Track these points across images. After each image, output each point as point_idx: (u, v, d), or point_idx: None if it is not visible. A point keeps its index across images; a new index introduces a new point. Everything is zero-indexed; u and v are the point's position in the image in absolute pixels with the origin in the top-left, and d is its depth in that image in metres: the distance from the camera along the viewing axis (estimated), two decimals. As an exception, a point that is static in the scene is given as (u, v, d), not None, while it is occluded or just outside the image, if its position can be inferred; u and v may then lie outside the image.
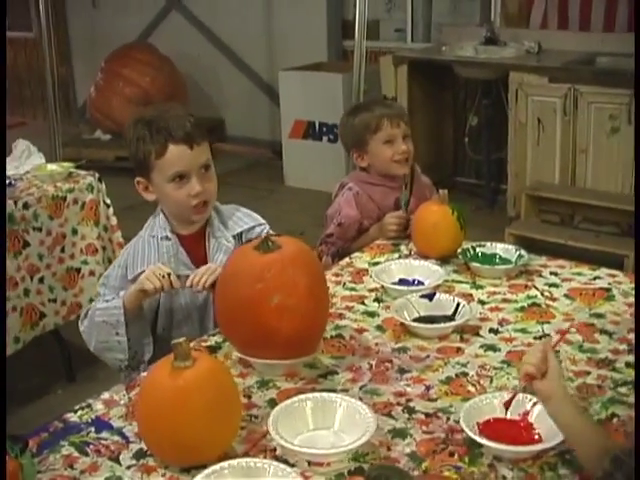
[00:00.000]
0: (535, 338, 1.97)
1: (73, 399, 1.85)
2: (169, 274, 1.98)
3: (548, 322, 2.05)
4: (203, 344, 2.00)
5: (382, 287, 2.22)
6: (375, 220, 2.72)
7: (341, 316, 2.12)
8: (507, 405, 1.61)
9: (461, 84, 5.64)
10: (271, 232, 2.24)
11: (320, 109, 5.68)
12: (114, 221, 3.61)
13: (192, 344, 1.99)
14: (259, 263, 1.76)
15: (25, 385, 3.56)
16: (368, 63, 5.85)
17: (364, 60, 3.84)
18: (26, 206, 3.28)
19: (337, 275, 2.38)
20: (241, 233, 2.24)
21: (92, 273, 3.55)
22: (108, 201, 3.60)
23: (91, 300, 3.53)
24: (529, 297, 2.19)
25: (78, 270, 3.52)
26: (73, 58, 7.89)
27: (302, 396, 1.67)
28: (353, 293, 2.26)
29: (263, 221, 2.29)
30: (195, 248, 2.18)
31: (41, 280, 3.38)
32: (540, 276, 2.32)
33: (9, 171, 3.60)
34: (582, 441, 1.44)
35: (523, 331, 2.01)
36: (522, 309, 2.13)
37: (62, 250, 3.45)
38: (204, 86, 7.08)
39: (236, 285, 1.78)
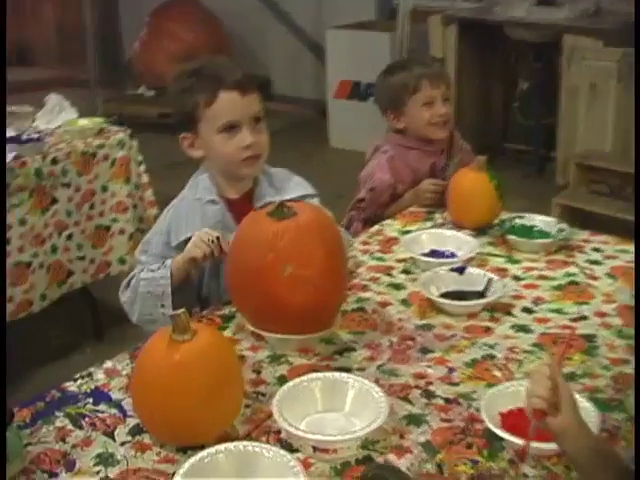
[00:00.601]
0: (572, 320, 1.82)
1: (102, 358, 1.75)
2: (218, 238, 1.84)
3: (587, 303, 1.90)
4: (217, 312, 1.88)
5: (411, 258, 2.08)
6: (410, 185, 2.58)
7: (365, 288, 1.99)
8: (522, 457, 1.34)
9: (512, 46, 5.41)
10: (319, 202, 2.10)
11: (367, 69, 5.47)
12: (145, 179, 3.50)
13: (205, 312, 1.91)
14: (271, 230, 1.63)
15: (53, 343, 3.50)
16: (418, 22, 5.70)
17: (408, 19, 3.65)
18: (55, 161, 3.18)
19: (365, 243, 2.25)
20: (290, 200, 2.08)
21: (122, 231, 3.45)
22: (140, 158, 3.48)
23: (121, 260, 3.46)
24: (568, 274, 2.03)
25: (107, 228, 3.43)
26: (120, 12, 7.78)
27: (312, 375, 1.55)
28: (380, 263, 2.12)
29: (314, 191, 2.13)
30: (243, 213, 1.99)
31: (69, 237, 3.29)
32: (581, 252, 2.16)
33: (41, 125, 3.52)
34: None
35: (559, 312, 1.86)
36: (559, 287, 1.97)
37: (91, 207, 3.35)
38: (250, 43, 6.92)
39: (246, 253, 1.65)
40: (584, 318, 1.83)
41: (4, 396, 1.39)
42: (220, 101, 1.91)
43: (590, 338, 1.74)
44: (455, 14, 5.09)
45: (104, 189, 3.38)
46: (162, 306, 1.91)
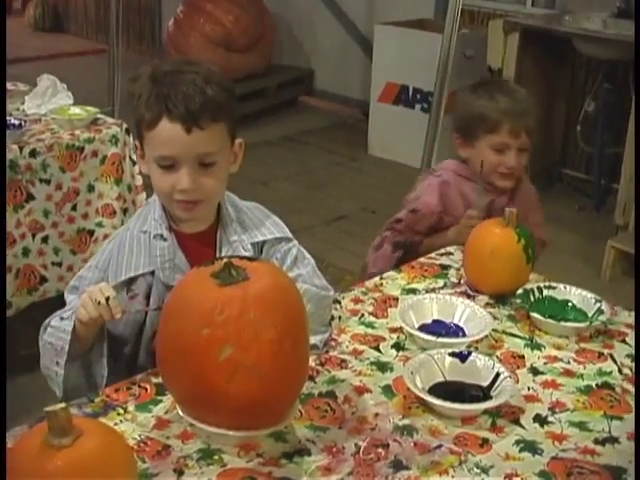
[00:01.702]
0: (596, 442, 1.46)
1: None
2: (107, 299, 1.53)
3: (620, 418, 1.54)
4: (154, 379, 1.57)
5: (407, 329, 1.74)
6: (458, 220, 2.31)
7: (342, 364, 1.65)
8: None
9: (582, 62, 5.01)
10: (300, 249, 1.79)
11: (416, 72, 5.15)
12: (139, 181, 3.20)
13: (139, 376, 1.59)
14: (211, 299, 1.30)
15: (21, 354, 3.23)
16: (477, 26, 5.34)
17: (457, 21, 3.29)
18: (34, 154, 2.91)
19: (357, 301, 1.91)
20: (263, 243, 1.77)
21: (107, 237, 3.16)
22: (135, 157, 3.19)
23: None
24: (601, 373, 1.67)
25: (91, 232, 3.16)
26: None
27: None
28: (369, 331, 1.78)
29: (291, 235, 1.81)
30: (200, 252, 1.70)
31: (45, 240, 3.03)
32: (623, 342, 1.80)
33: (31, 109, 3.25)
34: None
35: (582, 426, 1.50)
36: (587, 390, 1.61)
37: (74, 208, 3.08)
38: (296, 32, 6.61)
39: (178, 323, 1.33)
40: (613, 440, 1.47)
41: (4, 397, 1.34)
42: (160, 130, 1.60)
43: (618, 474, 1.38)
44: (520, 21, 4.70)
45: (90, 189, 3.11)
46: (57, 363, 1.62)
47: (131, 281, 1.68)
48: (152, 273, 1.68)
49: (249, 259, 1.42)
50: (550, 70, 4.93)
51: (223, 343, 1.28)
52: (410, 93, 5.31)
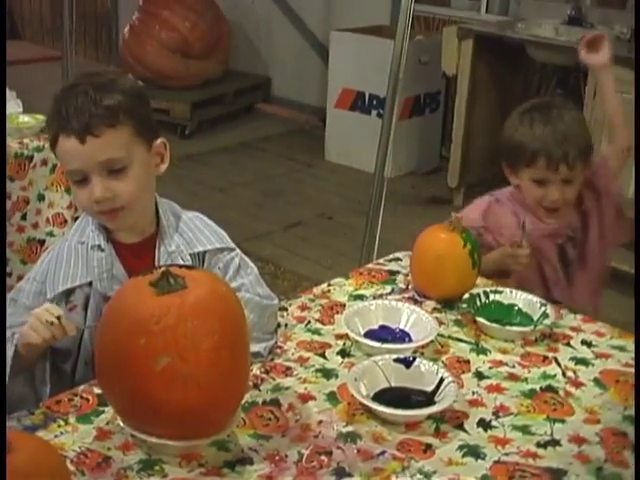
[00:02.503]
0: (539, 445, 1.47)
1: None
2: (59, 317, 1.51)
3: (562, 421, 1.54)
4: (96, 390, 1.54)
5: (353, 335, 1.74)
6: (507, 240, 2.21)
7: (288, 372, 1.64)
8: None
9: (536, 68, 5.05)
10: (243, 257, 1.77)
11: (372, 78, 5.15)
12: (91, 189, 3.16)
13: (82, 387, 1.57)
14: (148, 308, 1.29)
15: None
16: (433, 32, 5.36)
17: (409, 27, 3.29)
18: (-20, 163, 2.86)
19: (304, 308, 1.90)
20: (203, 253, 1.75)
21: (58, 247, 3.13)
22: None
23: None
24: (545, 376, 1.68)
25: (42, 242, 3.11)
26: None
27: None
28: (315, 338, 1.77)
29: (233, 245, 1.79)
30: (138, 262, 1.68)
31: (-7, 249, 2.97)
32: (568, 345, 1.80)
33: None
34: None
35: (524, 430, 1.50)
36: (531, 394, 1.62)
37: (23, 217, 3.05)
38: (253, 39, 6.59)
39: (115, 333, 1.32)
40: (555, 443, 1.47)
41: (4, 398, 1.30)
42: (60, 147, 1.61)
43: (558, 475, 1.39)
44: (473, 27, 4.73)
45: (40, 198, 3.07)
46: None
47: (69, 292, 1.66)
48: (90, 284, 1.67)
49: (188, 267, 1.42)
50: (504, 76, 4.97)
51: (160, 352, 1.27)
52: (366, 99, 5.32)
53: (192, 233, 1.73)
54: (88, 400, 1.53)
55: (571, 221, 2.29)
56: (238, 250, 1.77)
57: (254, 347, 1.63)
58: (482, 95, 4.83)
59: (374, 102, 5.26)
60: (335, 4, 6.06)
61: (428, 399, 1.53)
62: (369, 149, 4.80)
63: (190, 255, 1.70)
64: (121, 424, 1.40)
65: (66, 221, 3.12)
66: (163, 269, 1.34)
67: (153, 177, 1.70)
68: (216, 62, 6.26)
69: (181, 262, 1.69)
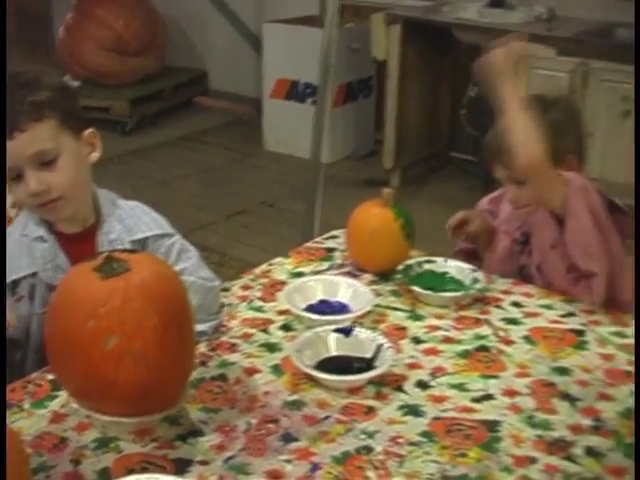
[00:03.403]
0: (473, 400, 1.53)
1: None
2: None
3: (495, 377, 1.60)
4: (48, 376, 1.57)
5: (295, 310, 1.78)
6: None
7: (233, 348, 1.68)
8: None
9: (463, 50, 5.12)
10: (183, 242, 1.80)
11: (306, 67, 5.18)
12: None
13: (34, 375, 1.59)
14: (94, 292, 1.32)
15: None
16: (361, 20, 5.41)
17: (336, 15, 3.34)
18: None
19: (246, 287, 1.94)
20: (144, 240, 1.77)
21: None
22: None
23: None
24: (478, 337, 1.74)
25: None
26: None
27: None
28: (258, 315, 1.81)
29: (173, 231, 1.82)
30: (80, 252, 1.68)
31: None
32: (498, 307, 1.87)
33: None
34: None
35: (460, 388, 1.56)
36: (465, 354, 1.68)
37: (-32, 218, 3.01)
38: (188, 34, 6.57)
39: (64, 317, 1.34)
40: (489, 397, 1.54)
41: (4, 395, 1.32)
42: None
43: (493, 426, 1.45)
44: (400, 13, 4.79)
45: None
46: None
47: (15, 284, 1.67)
48: (34, 275, 1.68)
49: (131, 251, 1.44)
50: (433, 59, 5.04)
51: (108, 333, 1.30)
52: (301, 88, 5.36)
53: (132, 221, 1.76)
54: (41, 386, 1.55)
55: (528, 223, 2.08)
56: (178, 235, 1.80)
57: (200, 327, 1.67)
58: (412, 78, 4.90)
59: (308, 90, 5.29)
60: (266, -4, 6.09)
61: (368, 365, 1.57)
62: (306, 136, 4.84)
63: (131, 242, 1.72)
64: (75, 406, 1.43)
65: (11, 219, 3.10)
66: (106, 254, 1.36)
67: (87, 166, 1.72)
68: (153, 58, 6.24)
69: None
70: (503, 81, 1.83)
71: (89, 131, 1.72)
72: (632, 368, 1.64)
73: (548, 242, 1.97)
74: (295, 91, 5.40)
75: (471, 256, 2.14)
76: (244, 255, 4.06)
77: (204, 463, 1.35)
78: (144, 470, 1.33)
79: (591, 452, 1.39)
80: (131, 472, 1.31)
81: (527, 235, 2.06)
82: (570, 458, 1.38)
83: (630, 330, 1.78)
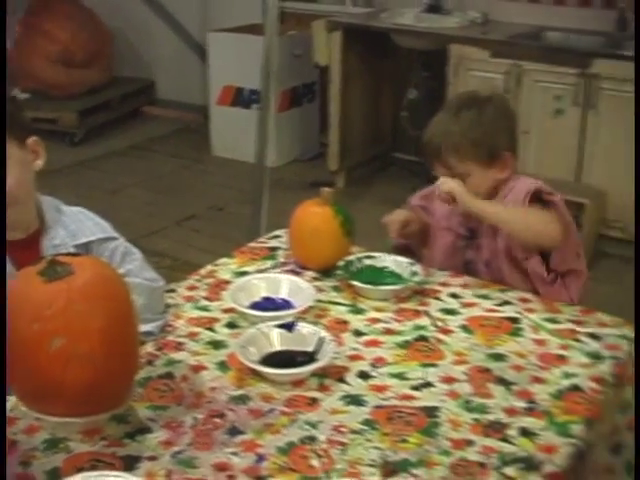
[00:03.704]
0: (413, 388, 1.55)
1: None
2: None
3: (434, 365, 1.63)
4: (-3, 380, 1.55)
5: (240, 308, 1.79)
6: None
7: (179, 346, 1.68)
8: None
9: (402, 54, 5.16)
10: (127, 245, 1.79)
11: (250, 74, 5.16)
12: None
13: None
14: (38, 295, 1.32)
15: None
16: (303, 27, 5.42)
17: (275, 23, 3.36)
18: None
19: (192, 288, 1.94)
20: (88, 244, 1.75)
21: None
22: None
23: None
24: (417, 328, 1.76)
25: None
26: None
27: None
28: (204, 314, 1.81)
29: (117, 235, 1.81)
30: (25, 257, 1.66)
31: None
32: (437, 298, 1.89)
33: None
34: None
35: (400, 377, 1.58)
36: (405, 345, 1.70)
37: None
38: (134, 44, 6.52)
39: (11, 321, 1.33)
40: (428, 385, 1.56)
41: (4, 399, 1.31)
42: None
43: (432, 412, 1.48)
44: (340, 19, 4.81)
45: None
46: None
47: None
48: None
49: (74, 255, 1.44)
50: (374, 63, 5.07)
51: (53, 335, 1.29)
52: (246, 94, 5.35)
53: (75, 226, 1.75)
54: (-10, 391, 1.54)
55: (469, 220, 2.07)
56: (122, 239, 1.79)
57: (146, 327, 1.67)
58: (354, 82, 4.92)
59: (253, 96, 5.27)
60: (210, 6, 6.06)
61: (311, 358, 1.59)
62: (252, 141, 4.84)
63: (75, 247, 1.71)
64: (24, 409, 1.42)
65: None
66: (49, 258, 1.36)
67: (31, 173, 1.71)
68: (100, 69, 6.18)
69: None
70: (465, 202, 1.93)
71: (33, 139, 1.71)
72: (564, 352, 1.68)
73: (500, 241, 2.01)
74: (241, 97, 5.39)
75: (405, 252, 2.15)
76: (195, 259, 4.04)
77: (152, 459, 1.35)
78: (93, 468, 1.33)
79: (525, 432, 1.43)
80: (80, 471, 1.31)
81: (473, 230, 2.07)
82: (505, 439, 1.41)
83: (562, 316, 1.82)
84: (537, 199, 1.97)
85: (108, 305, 1.34)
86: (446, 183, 1.96)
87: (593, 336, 1.75)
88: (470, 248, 2.09)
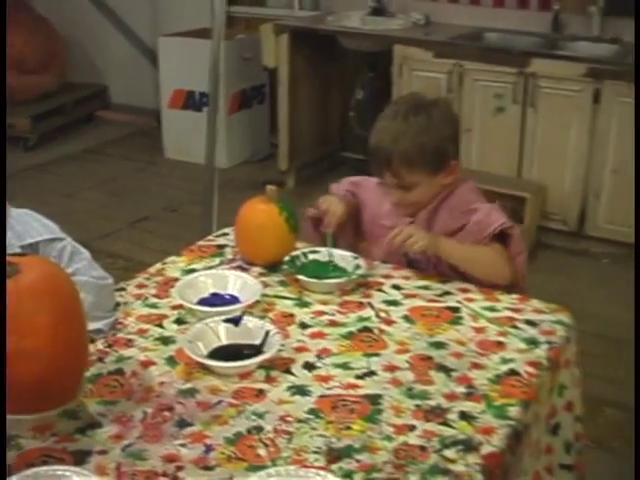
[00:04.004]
0: (357, 377, 1.56)
1: None
2: None
3: (377, 354, 1.64)
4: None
5: (188, 304, 1.78)
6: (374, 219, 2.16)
7: (129, 343, 1.67)
8: None
9: (349, 56, 5.19)
10: (74, 245, 1.78)
11: (200, 78, 5.11)
12: None
13: None
14: (-17, 293, 1.30)
15: None
16: (252, 31, 5.42)
17: (223, 27, 3.36)
18: None
19: (141, 286, 1.93)
20: (35, 245, 1.73)
21: None
22: None
23: None
24: (361, 319, 1.78)
25: None
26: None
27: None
28: (153, 311, 1.81)
29: (64, 235, 1.79)
30: None
31: None
32: (380, 290, 1.91)
33: None
34: None
35: (344, 367, 1.59)
36: (349, 336, 1.71)
37: None
38: (88, 50, 6.46)
39: (-44, 320, 1.31)
40: (372, 374, 1.57)
41: (4, 402, 1.28)
42: None
43: (375, 399, 1.49)
44: (287, 23, 4.82)
45: None
46: None
47: None
48: None
49: (20, 255, 1.43)
50: (321, 65, 5.08)
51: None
52: (197, 97, 5.33)
53: (22, 227, 1.73)
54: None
55: (418, 221, 2.05)
56: (69, 239, 1.78)
57: (95, 325, 1.66)
58: (303, 84, 4.93)
59: (204, 99, 5.25)
60: (160, 11, 6.03)
61: (257, 351, 1.59)
62: (203, 143, 4.83)
63: (21, 247, 1.69)
64: (-28, 407, 1.40)
65: None
66: (-5, 258, 1.34)
67: None
68: (53, 75, 6.12)
69: None
70: (432, 251, 1.92)
71: None
72: (502, 338, 1.71)
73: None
74: (192, 101, 5.37)
75: (318, 222, 2.12)
76: (148, 259, 3.98)
77: (103, 453, 1.35)
78: (44, 464, 1.32)
79: (464, 416, 1.45)
80: (31, 467, 1.30)
81: None
82: (445, 423, 1.43)
83: (500, 304, 1.85)
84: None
85: (55, 302, 1.33)
86: (414, 244, 1.90)
87: (530, 322, 1.78)
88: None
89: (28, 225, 1.74)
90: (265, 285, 1.88)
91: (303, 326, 1.74)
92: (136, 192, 5.02)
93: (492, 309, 1.83)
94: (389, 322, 1.76)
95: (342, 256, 1.98)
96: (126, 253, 4.16)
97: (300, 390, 1.51)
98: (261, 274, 1.96)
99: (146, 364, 1.60)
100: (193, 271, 1.96)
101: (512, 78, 4.10)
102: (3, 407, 1.28)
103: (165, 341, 1.68)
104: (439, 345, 1.68)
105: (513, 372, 1.59)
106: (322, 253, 1.99)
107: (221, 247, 2.12)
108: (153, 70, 6.04)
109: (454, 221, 2.00)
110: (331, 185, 2.26)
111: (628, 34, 4.23)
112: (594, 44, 4.30)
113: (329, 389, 1.52)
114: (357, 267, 1.93)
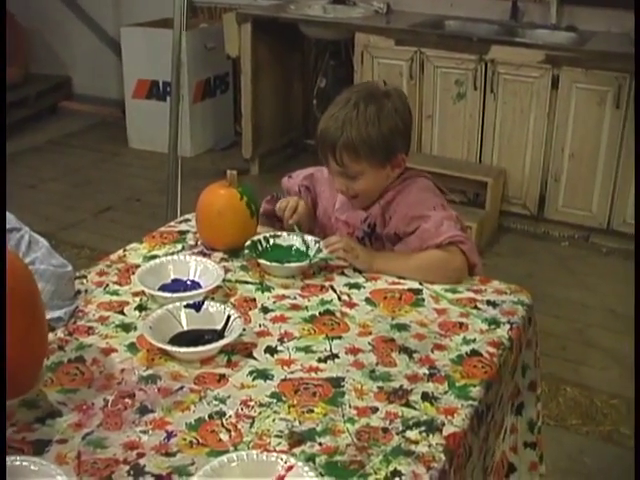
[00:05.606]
0: (319, 360, 1.53)
1: None
2: None
3: (339, 337, 1.61)
4: None
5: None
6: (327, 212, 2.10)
7: (90, 331, 1.63)
8: None
9: (311, 44, 5.16)
10: (32, 234, 1.72)
11: (164, 67, 5.04)
12: None
13: None
14: (-64, 283, 1.25)
15: None
16: (215, 20, 5.37)
17: (184, 15, 3.31)
18: None
19: (102, 274, 1.88)
20: None
21: None
22: None
23: None
24: (323, 302, 1.75)
25: None
26: None
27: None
28: (114, 299, 1.76)
29: (20, 225, 1.74)
30: None
31: None
32: (342, 274, 1.88)
33: None
34: None
35: (306, 350, 1.56)
36: (311, 319, 1.68)
37: None
38: (50, 42, 6.35)
39: None
40: (334, 357, 1.54)
41: (4, 399, 1.26)
42: None
43: (337, 382, 1.46)
44: (250, 11, 4.76)
45: None
46: None
47: None
48: None
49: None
50: (284, 54, 5.04)
51: (-47, 323, 1.23)
52: (160, 87, 5.26)
53: None
54: None
55: (373, 215, 2.00)
56: (27, 228, 1.73)
57: (55, 313, 1.62)
58: (265, 72, 4.88)
59: (167, 89, 5.18)
60: (123, 2, 5.94)
61: (219, 336, 1.56)
62: (167, 132, 4.76)
63: None
64: None
65: None
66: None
67: None
68: (16, 67, 6.00)
69: None
70: (366, 267, 1.88)
71: None
72: (464, 319, 1.69)
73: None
74: (155, 90, 5.30)
75: (272, 215, 2.09)
76: (113, 249, 3.91)
77: (62, 442, 1.30)
78: (1, 454, 1.27)
79: (426, 397, 1.42)
80: (-11, 458, 1.26)
81: (372, 226, 2.00)
82: (408, 404, 1.40)
83: (462, 286, 1.83)
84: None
85: (10, 291, 1.28)
86: (355, 259, 1.89)
87: (491, 303, 1.76)
88: (370, 242, 2.01)
89: None
90: (226, 270, 1.84)
91: (265, 310, 1.70)
92: (100, 182, 4.95)
93: (453, 290, 1.81)
94: (351, 305, 1.73)
95: (304, 240, 1.94)
96: (91, 243, 4.10)
97: (262, 374, 1.48)
98: (222, 259, 1.92)
99: (107, 351, 1.55)
100: (155, 257, 1.92)
101: (472, 65, 4.10)
102: (3, 405, 1.26)
103: (126, 328, 1.63)
104: (401, 327, 1.65)
105: (475, 352, 1.57)
106: (283, 237, 1.95)
107: (182, 233, 2.08)
108: (117, 60, 5.94)
109: (406, 226, 1.93)
110: (282, 180, 2.20)
111: (584, 22, 4.25)
112: (551, 32, 4.30)
113: (291, 373, 1.49)
114: (319, 251, 1.89)
